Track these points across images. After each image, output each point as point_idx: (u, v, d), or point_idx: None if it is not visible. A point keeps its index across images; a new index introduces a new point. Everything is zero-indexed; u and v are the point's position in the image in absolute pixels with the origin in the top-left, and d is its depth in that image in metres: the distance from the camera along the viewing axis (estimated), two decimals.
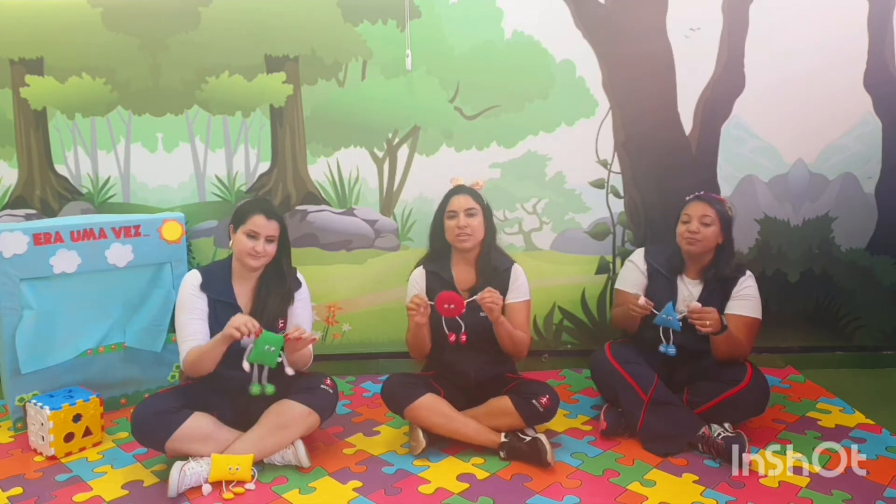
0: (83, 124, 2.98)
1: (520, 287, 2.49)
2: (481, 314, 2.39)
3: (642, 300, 2.43)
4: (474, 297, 2.32)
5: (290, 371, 2.27)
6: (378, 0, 2.96)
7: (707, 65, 3.07)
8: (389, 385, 2.45)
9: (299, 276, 2.48)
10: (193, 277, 2.34)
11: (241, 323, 2.14)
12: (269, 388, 2.26)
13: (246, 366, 2.21)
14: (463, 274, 2.51)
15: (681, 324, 2.39)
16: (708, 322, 2.34)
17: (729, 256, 2.55)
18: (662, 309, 2.41)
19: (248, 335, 2.16)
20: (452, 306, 2.31)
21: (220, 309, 2.32)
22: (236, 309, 2.34)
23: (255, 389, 2.26)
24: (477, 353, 2.46)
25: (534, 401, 2.35)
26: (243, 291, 2.39)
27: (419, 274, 2.55)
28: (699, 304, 2.38)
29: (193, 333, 2.28)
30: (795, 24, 3.03)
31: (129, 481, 2.23)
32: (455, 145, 3.08)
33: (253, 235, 2.31)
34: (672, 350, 2.44)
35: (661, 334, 2.46)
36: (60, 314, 2.63)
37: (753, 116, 3.11)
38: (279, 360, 2.21)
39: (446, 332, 2.40)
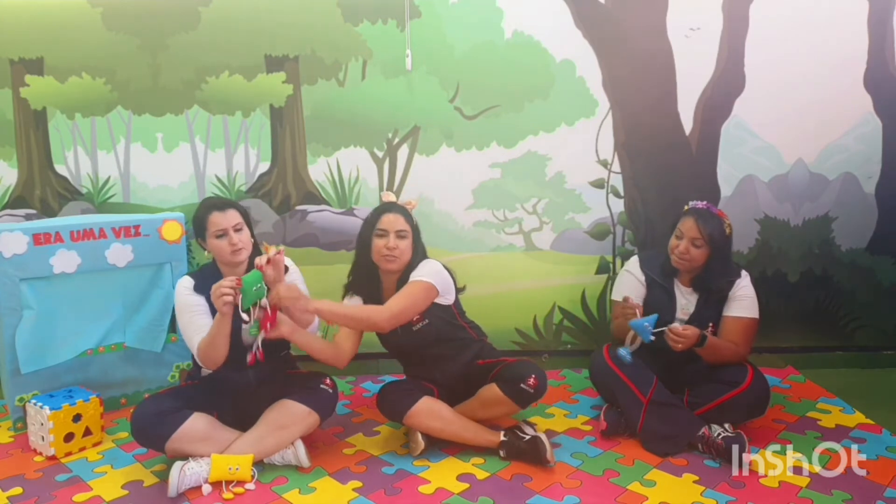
0: (83, 124, 2.98)
1: (420, 272, 2.37)
2: (413, 328, 2.38)
3: (631, 300, 2.39)
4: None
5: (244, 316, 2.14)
6: (378, 0, 2.96)
7: (707, 65, 3.07)
8: (384, 394, 2.42)
9: (288, 261, 2.43)
10: (186, 281, 2.33)
11: (222, 288, 2.08)
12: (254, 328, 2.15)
13: (245, 316, 2.12)
14: (390, 296, 2.42)
15: (653, 338, 2.31)
16: (680, 344, 2.32)
17: (719, 271, 2.52)
18: (646, 317, 2.34)
19: (235, 293, 2.09)
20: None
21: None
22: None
23: (252, 331, 2.17)
24: (433, 358, 2.45)
25: (522, 384, 2.31)
26: None
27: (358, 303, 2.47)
28: (679, 328, 2.33)
29: (200, 327, 2.27)
30: (796, 25, 3.03)
31: (129, 481, 2.23)
32: (455, 145, 3.08)
33: (221, 234, 2.28)
34: (628, 356, 2.35)
35: (629, 338, 2.38)
36: (60, 314, 2.63)
37: (753, 116, 3.11)
38: (265, 289, 2.12)
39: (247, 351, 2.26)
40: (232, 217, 2.30)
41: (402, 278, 2.41)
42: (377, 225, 2.39)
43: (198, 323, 2.28)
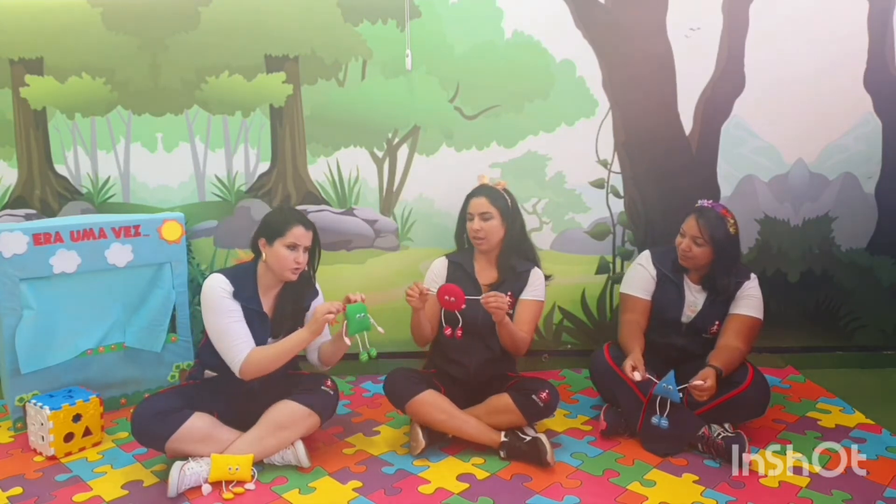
0: (83, 124, 2.98)
1: (535, 287, 2.51)
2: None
3: (637, 375, 2.36)
4: (477, 296, 2.32)
5: (381, 330, 2.24)
6: (378, 0, 2.96)
7: (707, 65, 3.07)
8: (392, 379, 2.46)
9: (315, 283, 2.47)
10: (224, 283, 2.26)
11: (328, 308, 2.18)
12: (373, 351, 2.25)
13: (348, 341, 2.23)
14: (485, 270, 2.54)
15: (681, 395, 2.32)
16: (705, 395, 2.32)
17: (724, 270, 2.53)
18: (662, 378, 2.34)
19: (337, 315, 2.20)
20: (452, 299, 2.31)
21: (249, 316, 2.29)
22: (264, 316, 2.32)
23: (363, 357, 2.23)
24: (480, 348, 2.47)
25: (533, 396, 2.36)
26: (267, 300, 2.35)
27: (441, 263, 2.58)
28: (703, 383, 2.31)
29: (244, 335, 2.25)
30: (795, 24, 3.03)
31: (128, 481, 2.23)
32: (455, 145, 3.08)
33: (293, 248, 2.26)
34: (665, 423, 2.34)
35: (657, 404, 2.37)
36: (60, 314, 2.63)
37: (753, 116, 3.10)
38: (371, 320, 2.23)
39: (443, 323, 2.41)
40: (309, 238, 2.31)
41: (501, 255, 2.52)
42: (467, 209, 2.53)
43: (241, 330, 2.25)
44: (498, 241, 2.51)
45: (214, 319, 2.26)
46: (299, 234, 2.27)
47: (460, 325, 2.39)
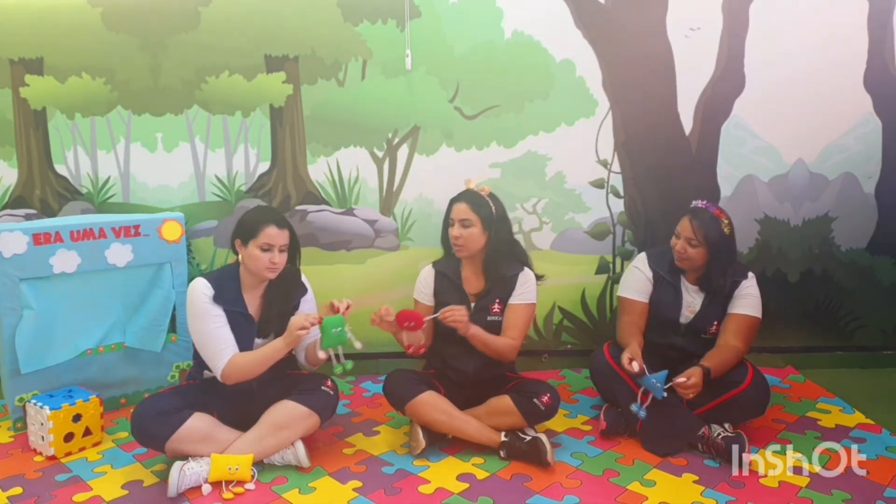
0: (83, 124, 2.98)
1: (523, 290, 2.48)
2: (488, 318, 2.44)
3: (636, 366, 2.37)
4: (436, 315, 2.32)
5: (358, 345, 2.24)
6: (378, 0, 2.96)
7: (707, 65, 3.07)
8: (391, 380, 2.46)
9: (304, 280, 2.46)
10: (204, 287, 2.26)
11: (303, 322, 2.16)
12: (349, 364, 2.23)
13: (322, 354, 2.24)
14: (472, 277, 2.52)
15: (665, 394, 2.32)
16: (691, 392, 2.33)
17: (720, 270, 2.52)
18: (656, 374, 2.34)
19: (312, 328, 2.18)
20: (412, 324, 2.31)
21: (234, 319, 2.28)
22: (249, 318, 2.32)
23: (337, 370, 2.23)
24: (475, 353, 2.46)
25: (535, 399, 2.36)
26: (252, 300, 2.35)
27: (428, 273, 2.56)
28: (686, 380, 2.32)
29: (226, 340, 2.24)
30: (795, 24, 3.03)
31: (128, 481, 2.23)
32: (455, 145, 3.08)
33: (268, 248, 2.25)
34: (643, 413, 2.35)
35: (640, 394, 2.38)
36: (60, 314, 2.63)
37: (753, 116, 3.10)
38: (348, 335, 2.21)
39: (405, 343, 2.38)
40: (284, 237, 2.28)
41: (487, 262, 2.46)
42: (449, 215, 2.48)
43: (223, 335, 2.24)
44: (479, 250, 2.45)
45: (196, 325, 2.27)
46: (273, 235, 2.25)
47: (422, 342, 2.41)
